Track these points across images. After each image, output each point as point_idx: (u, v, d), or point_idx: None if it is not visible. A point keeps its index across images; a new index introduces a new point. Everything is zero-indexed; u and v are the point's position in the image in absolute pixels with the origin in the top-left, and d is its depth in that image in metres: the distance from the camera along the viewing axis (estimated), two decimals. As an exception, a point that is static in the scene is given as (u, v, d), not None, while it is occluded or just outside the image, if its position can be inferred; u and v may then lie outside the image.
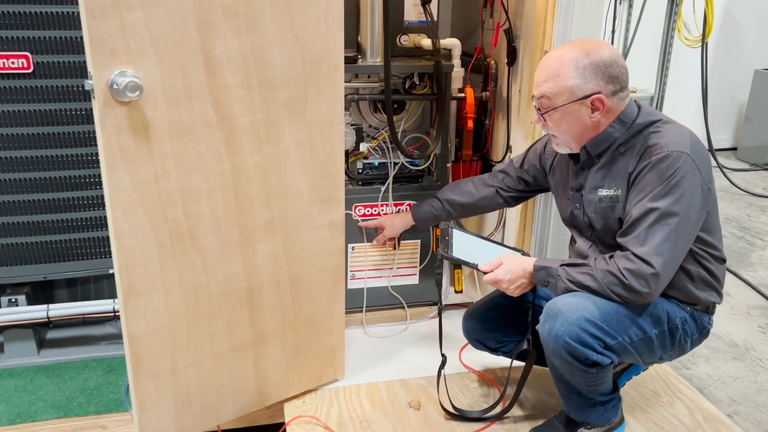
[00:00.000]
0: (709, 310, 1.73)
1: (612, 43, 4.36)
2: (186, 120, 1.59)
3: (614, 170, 1.65)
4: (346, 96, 2.21)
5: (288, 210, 1.83)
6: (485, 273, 1.74)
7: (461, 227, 1.93)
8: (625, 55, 4.47)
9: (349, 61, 2.15)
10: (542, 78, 1.63)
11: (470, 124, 2.32)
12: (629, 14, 4.53)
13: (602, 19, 2.02)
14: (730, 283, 3.19)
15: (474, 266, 1.78)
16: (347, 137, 2.23)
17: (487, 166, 2.49)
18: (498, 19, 2.33)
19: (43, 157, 2.08)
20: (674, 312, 1.66)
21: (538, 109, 1.66)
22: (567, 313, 1.54)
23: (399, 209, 2.36)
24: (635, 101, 1.69)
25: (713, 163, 4.59)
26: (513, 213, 2.40)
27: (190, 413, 1.83)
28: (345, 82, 2.19)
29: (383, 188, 2.33)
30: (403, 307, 2.51)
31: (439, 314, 1.90)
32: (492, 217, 2.54)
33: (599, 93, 1.58)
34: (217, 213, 1.71)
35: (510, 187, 2.04)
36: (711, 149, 4.60)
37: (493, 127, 2.47)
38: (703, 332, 1.73)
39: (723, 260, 1.72)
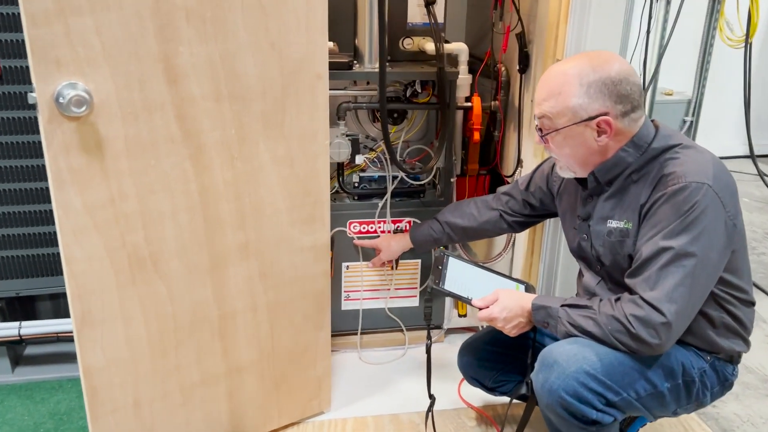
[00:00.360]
0: (733, 359, 1.52)
1: (647, 43, 4.10)
2: (146, 136, 1.44)
3: (626, 200, 1.45)
4: (340, 105, 2.05)
5: (264, 231, 1.67)
6: (480, 309, 1.56)
7: (459, 255, 1.75)
8: (661, 55, 4.20)
9: (344, 67, 1.98)
10: (543, 96, 1.44)
11: (476, 136, 2.13)
12: (666, 12, 4.25)
13: (622, 23, 1.80)
14: (765, 306, 2.93)
15: (467, 301, 1.60)
16: (342, 149, 2.07)
17: (496, 181, 2.29)
18: (509, 21, 2.13)
19: (15, 168, 1.96)
20: (691, 362, 1.45)
21: (540, 129, 1.47)
22: (564, 363, 1.36)
23: (398, 227, 2.19)
24: (653, 121, 1.48)
25: (754, 171, 4.31)
26: (521, 235, 2.21)
27: (156, 449, 1.69)
28: (340, 89, 2.06)
29: (381, 204, 2.15)
30: (401, 331, 2.34)
31: (428, 352, 1.72)
32: (501, 237, 2.35)
33: (606, 114, 1.38)
34: (183, 236, 1.56)
35: (515, 211, 1.84)
36: (753, 156, 4.30)
37: (503, 140, 2.27)
38: (725, 384, 1.52)
39: (751, 303, 1.50)
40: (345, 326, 2.29)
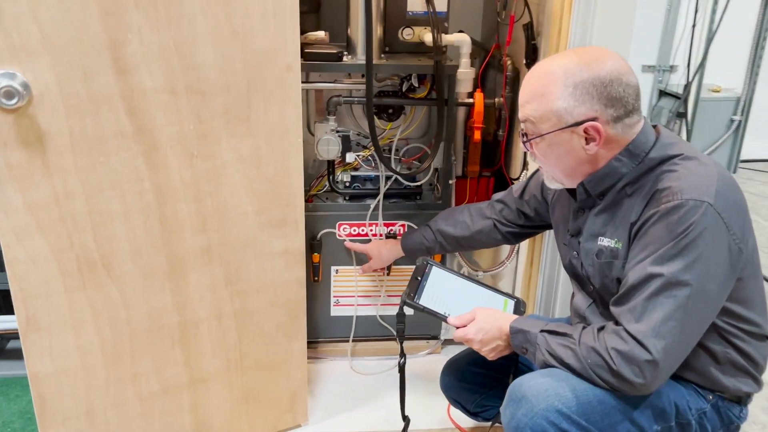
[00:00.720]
0: (741, 400, 1.32)
1: (692, 36, 3.82)
2: (93, 130, 1.34)
3: (619, 215, 1.28)
4: (330, 99, 1.92)
5: (229, 235, 1.56)
6: (457, 327, 1.41)
7: (444, 265, 1.60)
8: (707, 49, 3.92)
9: (332, 58, 1.84)
10: (525, 97, 1.27)
11: (477, 135, 1.96)
12: (715, 3, 3.95)
13: (635, 14, 1.60)
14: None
15: (443, 318, 1.45)
16: (331, 146, 1.93)
17: (502, 183, 2.12)
18: (513, 10, 1.95)
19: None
20: (688, 403, 1.27)
21: (525, 134, 1.30)
22: (533, 399, 1.20)
23: (390, 230, 2.04)
24: (656, 127, 1.30)
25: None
26: (523, 244, 2.03)
27: (113, 460, 1.61)
28: (329, 82, 1.93)
29: (373, 205, 2.01)
30: (395, 340, 2.19)
31: (401, 372, 1.58)
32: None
33: (594, 119, 1.20)
34: (138, 238, 1.46)
35: (509, 221, 1.68)
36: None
37: (509, 139, 2.10)
38: (730, 428, 1.33)
39: (765, 337, 1.31)
40: (335, 333, 2.17)
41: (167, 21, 1.33)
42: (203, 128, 1.44)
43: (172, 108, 1.40)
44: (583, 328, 1.25)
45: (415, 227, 2.04)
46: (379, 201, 2.00)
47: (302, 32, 1.95)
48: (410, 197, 2.08)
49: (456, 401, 1.66)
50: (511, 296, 1.54)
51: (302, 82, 1.85)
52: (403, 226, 2.04)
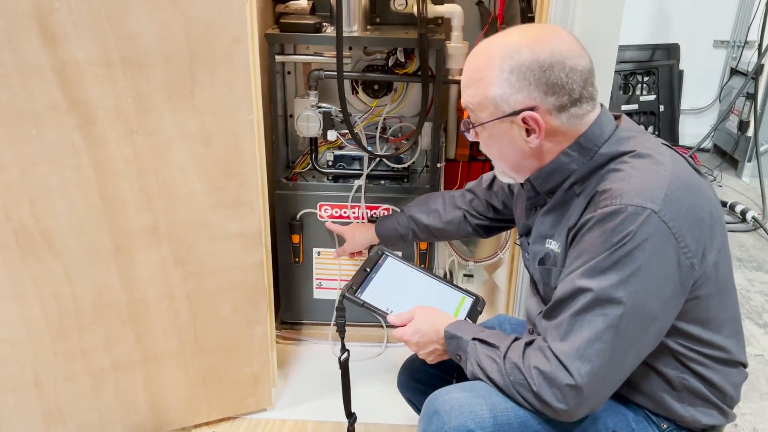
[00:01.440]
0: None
1: (766, 12, 3.42)
2: (23, 103, 1.30)
3: (565, 217, 1.12)
4: (311, 73, 1.82)
5: (177, 215, 1.50)
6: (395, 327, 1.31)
7: (400, 256, 1.48)
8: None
9: (308, 29, 1.74)
10: (464, 81, 1.13)
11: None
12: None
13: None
14: None
15: (383, 316, 1.34)
16: (311, 122, 1.84)
17: (498, 168, 1.96)
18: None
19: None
20: (632, 430, 1.12)
21: (466, 122, 1.16)
22: (444, 416, 1.08)
23: (373, 214, 1.94)
24: (619, 118, 1.13)
25: None
26: (513, 233, 1.88)
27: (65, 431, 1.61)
28: (310, 54, 1.83)
29: (355, 187, 1.91)
30: (381, 327, 2.11)
31: (342, 368, 1.49)
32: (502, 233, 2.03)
33: (533, 108, 1.05)
34: (78, 214, 1.42)
35: (479, 213, 1.54)
36: None
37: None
38: (689, 463, 1.17)
39: (738, 364, 1.13)
40: (318, 316, 2.10)
41: (97, -12, 1.27)
42: (143, 102, 1.38)
43: (108, 80, 1.34)
44: (515, 340, 1.11)
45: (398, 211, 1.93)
46: (361, 183, 1.90)
47: (284, 1, 1.86)
48: (399, 180, 1.96)
49: (410, 401, 1.56)
50: (469, 293, 1.41)
51: (278, 54, 1.79)
52: (386, 209, 1.93)
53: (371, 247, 1.82)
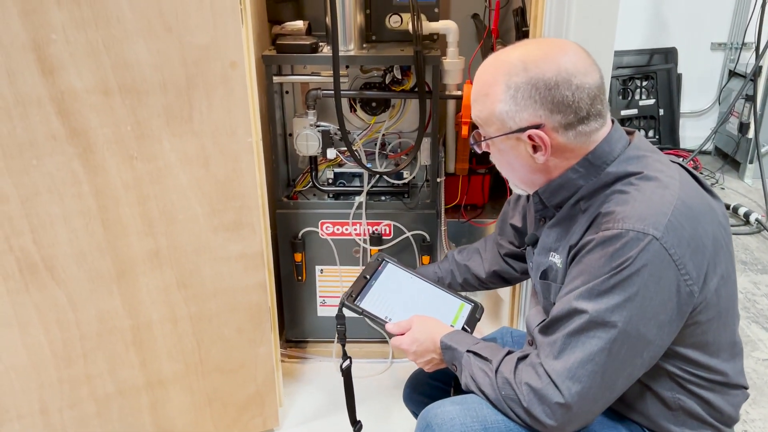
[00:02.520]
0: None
1: (762, 13, 3.42)
2: (22, 133, 1.32)
3: (571, 232, 1.12)
4: (309, 92, 1.83)
5: (179, 238, 1.51)
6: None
7: (398, 263, 1.47)
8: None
9: (304, 50, 1.75)
10: (473, 95, 1.12)
11: (465, 130, 1.81)
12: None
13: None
14: None
15: (382, 324, 1.34)
16: (310, 141, 1.85)
17: (498, 182, 1.97)
18: (500, -6, 1.79)
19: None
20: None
21: (474, 136, 1.16)
22: (437, 429, 1.08)
23: (375, 230, 1.94)
24: (632, 135, 1.12)
25: None
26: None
27: (72, 458, 1.61)
28: (308, 74, 1.84)
29: (356, 204, 1.91)
30: (386, 342, 2.11)
31: (345, 375, 1.48)
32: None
33: (538, 126, 1.05)
34: (80, 241, 1.43)
35: (509, 242, 1.46)
36: None
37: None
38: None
39: (734, 386, 1.12)
40: (322, 334, 2.10)
41: (93, 19, 1.28)
42: (141, 128, 1.39)
43: (106, 108, 1.35)
44: (507, 353, 1.11)
45: (402, 227, 1.93)
46: (362, 200, 1.90)
47: (280, 22, 1.87)
48: (398, 195, 1.97)
49: (414, 413, 1.56)
50: (468, 300, 1.41)
51: (275, 75, 1.80)
52: (388, 225, 1.93)
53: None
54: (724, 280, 1.05)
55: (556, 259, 1.14)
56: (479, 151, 1.18)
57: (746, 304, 2.49)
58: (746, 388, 1.15)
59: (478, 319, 1.38)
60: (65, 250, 1.43)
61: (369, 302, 1.37)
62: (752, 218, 3.10)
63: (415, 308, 1.36)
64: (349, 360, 1.47)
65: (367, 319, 1.36)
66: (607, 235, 0.99)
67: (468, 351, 1.15)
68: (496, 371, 1.08)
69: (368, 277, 1.41)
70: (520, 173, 1.15)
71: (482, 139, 1.14)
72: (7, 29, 1.24)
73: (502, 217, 1.47)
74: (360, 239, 1.94)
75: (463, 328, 1.33)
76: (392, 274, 1.44)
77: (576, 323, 0.99)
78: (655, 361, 1.03)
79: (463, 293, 1.45)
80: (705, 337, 1.05)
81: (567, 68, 1.03)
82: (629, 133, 1.13)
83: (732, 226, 3.11)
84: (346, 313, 1.38)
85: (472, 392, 1.12)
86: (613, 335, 0.97)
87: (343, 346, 1.46)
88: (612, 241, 0.98)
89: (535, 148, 1.08)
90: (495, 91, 1.07)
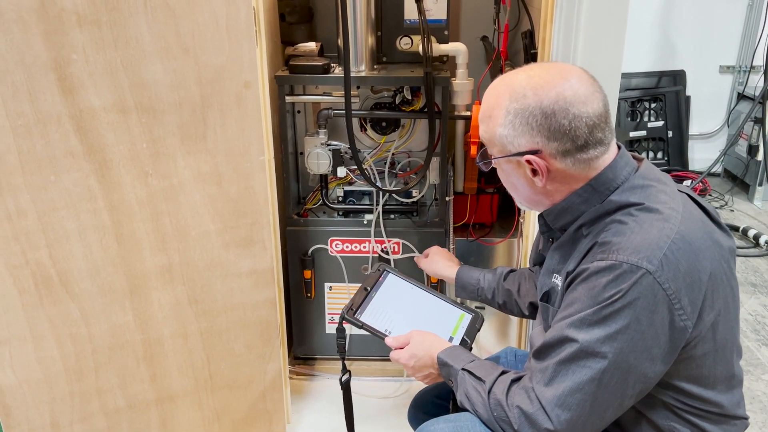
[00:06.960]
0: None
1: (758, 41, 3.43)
2: (42, 150, 1.35)
3: (571, 257, 1.13)
4: (320, 112, 1.86)
5: (191, 254, 1.53)
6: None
7: (400, 273, 1.49)
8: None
9: (317, 71, 1.78)
10: (480, 115, 1.14)
11: (473, 150, 1.83)
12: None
13: (627, 20, 1.43)
14: None
15: (382, 337, 1.35)
16: (321, 160, 1.88)
17: (507, 201, 1.98)
18: (507, 18, 1.81)
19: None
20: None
21: (481, 155, 1.18)
22: None
23: (383, 248, 1.96)
24: (638, 159, 1.12)
25: None
26: (522, 251, 1.89)
27: (81, 472, 1.62)
28: (320, 94, 1.87)
29: (366, 221, 1.93)
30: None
31: (344, 390, 1.49)
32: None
33: (536, 152, 1.07)
34: (94, 256, 1.46)
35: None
36: None
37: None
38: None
39: (731, 417, 1.12)
40: (330, 351, 2.12)
41: (113, 41, 1.32)
42: (157, 146, 1.42)
43: (123, 126, 1.38)
44: (501, 374, 1.12)
45: (410, 245, 1.95)
46: (372, 218, 1.93)
47: (293, 43, 1.91)
48: (408, 214, 1.99)
49: (415, 432, 1.56)
50: (469, 310, 1.42)
51: (288, 95, 1.83)
52: (397, 243, 1.95)
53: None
54: (722, 315, 1.04)
55: (558, 281, 1.15)
56: (486, 170, 1.20)
57: (756, 326, 2.48)
58: (746, 418, 1.14)
59: (479, 329, 1.39)
60: (80, 264, 1.45)
61: (369, 315, 1.38)
62: (762, 240, 3.09)
63: (416, 319, 1.37)
64: (348, 374, 1.48)
65: (367, 332, 1.37)
66: (600, 265, 0.99)
67: (463, 369, 1.16)
68: (489, 392, 1.09)
69: (369, 288, 1.42)
70: (524, 194, 1.16)
71: (489, 158, 1.16)
72: (30, 49, 1.27)
73: (533, 248, 1.46)
74: (369, 257, 1.96)
75: (463, 339, 1.34)
76: (393, 284, 1.45)
77: (567, 351, 1.00)
78: (646, 393, 1.03)
79: (463, 303, 1.46)
80: (700, 370, 1.05)
81: (566, 96, 1.03)
82: (638, 160, 1.13)
83: (741, 248, 3.11)
84: (348, 326, 1.39)
85: (467, 410, 1.13)
86: (603, 366, 0.97)
87: (343, 359, 1.47)
88: (605, 272, 0.98)
89: (534, 172, 1.09)
90: (496, 114, 1.08)
